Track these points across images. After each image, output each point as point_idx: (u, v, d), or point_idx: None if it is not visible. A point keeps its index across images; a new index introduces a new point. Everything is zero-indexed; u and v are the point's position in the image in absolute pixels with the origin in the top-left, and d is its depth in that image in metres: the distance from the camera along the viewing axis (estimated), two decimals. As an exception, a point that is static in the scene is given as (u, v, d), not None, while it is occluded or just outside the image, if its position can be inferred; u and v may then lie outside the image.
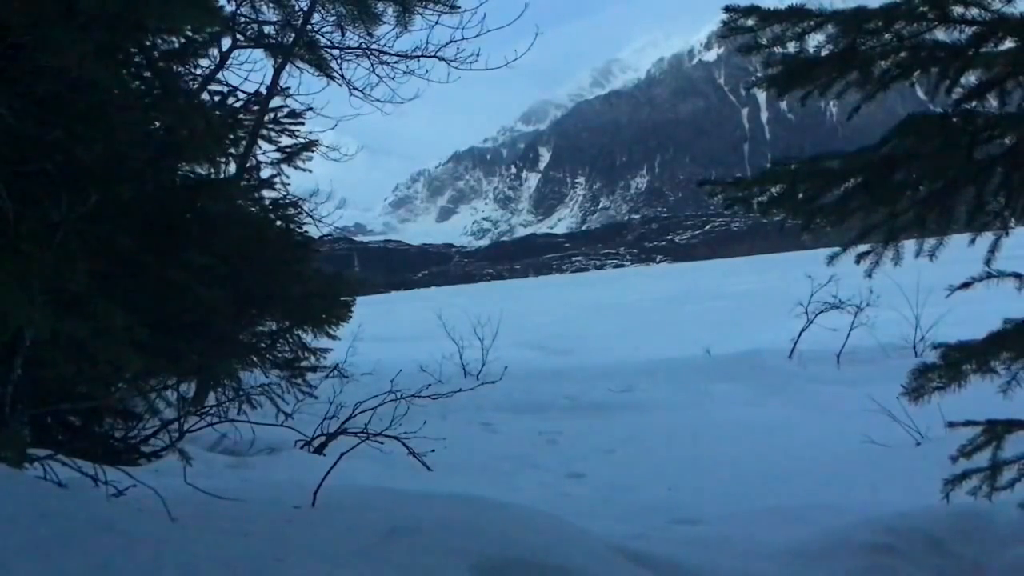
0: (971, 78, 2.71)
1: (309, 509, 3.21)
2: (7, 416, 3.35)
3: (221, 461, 5.74)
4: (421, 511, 3.33)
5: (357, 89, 9.39)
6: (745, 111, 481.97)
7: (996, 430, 3.24)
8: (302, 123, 8.31)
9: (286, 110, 8.36)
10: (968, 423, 3.37)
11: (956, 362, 3.01)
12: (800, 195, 2.84)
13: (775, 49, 2.72)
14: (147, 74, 3.99)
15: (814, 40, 2.74)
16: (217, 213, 4.62)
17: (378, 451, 6.01)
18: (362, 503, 3.51)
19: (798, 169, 2.80)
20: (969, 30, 2.57)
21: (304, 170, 8.40)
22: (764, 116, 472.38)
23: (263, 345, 7.96)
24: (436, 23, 8.72)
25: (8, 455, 3.22)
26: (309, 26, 8.83)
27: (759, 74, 2.81)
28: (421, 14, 8.55)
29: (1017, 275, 3.06)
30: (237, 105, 7.57)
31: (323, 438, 6.76)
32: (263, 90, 8.39)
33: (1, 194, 2.92)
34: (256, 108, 8.11)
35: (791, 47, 2.73)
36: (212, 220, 4.50)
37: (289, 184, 8.31)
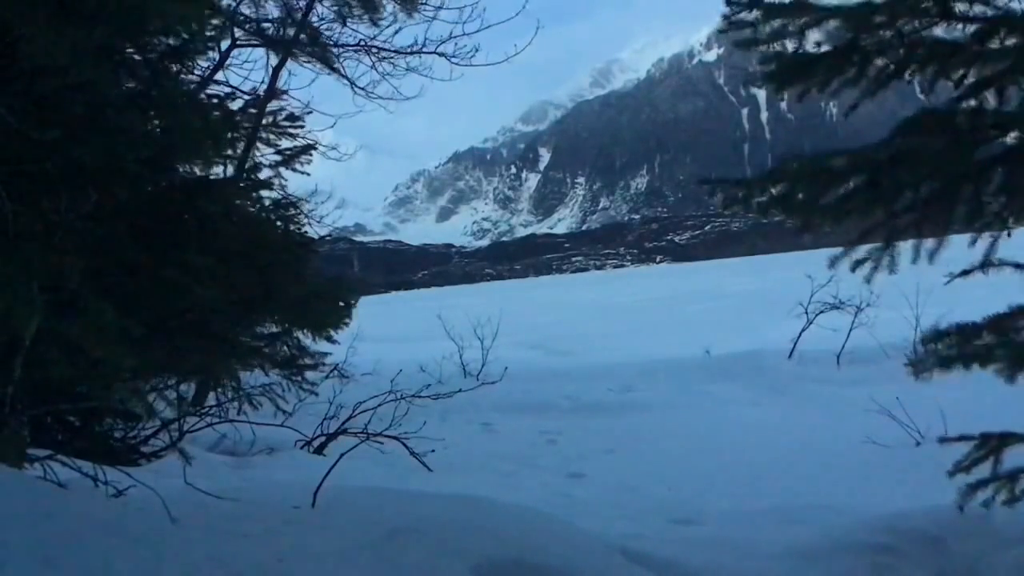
0: (969, 76, 2.70)
1: (309, 509, 3.20)
2: (7, 416, 3.35)
3: (221, 461, 5.74)
4: (421, 511, 3.33)
5: (360, 87, 9.39)
6: (745, 111, 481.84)
7: (991, 444, 3.21)
8: (302, 126, 8.29)
9: (285, 113, 8.35)
10: (962, 437, 3.34)
11: (963, 333, 2.99)
12: (800, 195, 2.83)
13: (774, 45, 2.71)
14: (146, 74, 3.99)
15: (814, 36, 2.73)
16: (215, 213, 4.61)
17: (378, 451, 6.02)
18: (362, 503, 3.51)
19: (799, 168, 2.79)
20: (970, 27, 2.57)
21: (303, 173, 8.39)
22: (764, 116, 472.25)
23: (263, 345, 7.94)
24: (434, 18, 8.74)
25: (8, 455, 3.21)
26: (309, 20, 8.82)
27: (759, 70, 2.79)
28: (421, 8, 8.57)
29: (1018, 264, 3.04)
30: (236, 106, 7.56)
31: (323, 438, 6.77)
32: (262, 90, 8.39)
33: (0, 194, 2.92)
34: (255, 108, 8.09)
35: (791, 43, 2.71)
36: (210, 220, 4.49)
37: (287, 184, 8.30)
